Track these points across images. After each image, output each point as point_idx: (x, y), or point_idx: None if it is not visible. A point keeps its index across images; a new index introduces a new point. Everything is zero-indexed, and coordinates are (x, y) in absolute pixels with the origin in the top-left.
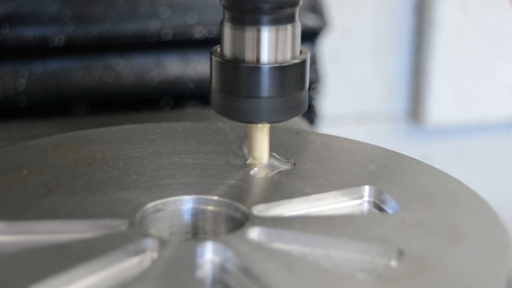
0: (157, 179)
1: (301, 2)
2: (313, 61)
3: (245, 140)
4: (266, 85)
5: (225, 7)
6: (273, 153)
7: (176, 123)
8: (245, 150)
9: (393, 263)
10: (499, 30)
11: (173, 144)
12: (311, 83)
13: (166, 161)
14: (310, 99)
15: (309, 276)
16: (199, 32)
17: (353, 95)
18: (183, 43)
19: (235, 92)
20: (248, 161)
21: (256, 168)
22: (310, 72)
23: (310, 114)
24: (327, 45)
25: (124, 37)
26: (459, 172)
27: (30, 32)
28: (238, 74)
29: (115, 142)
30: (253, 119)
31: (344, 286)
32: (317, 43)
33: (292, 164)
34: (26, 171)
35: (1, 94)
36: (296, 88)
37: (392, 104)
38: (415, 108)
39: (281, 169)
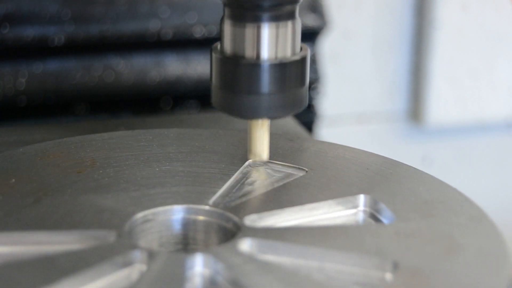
0: (147, 188)
1: None
2: (313, 61)
3: (239, 145)
4: (266, 82)
5: (225, 4)
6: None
7: (169, 129)
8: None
9: (388, 275)
10: (499, 30)
11: (165, 151)
12: (311, 83)
13: (157, 169)
14: (310, 99)
15: None
16: (199, 32)
17: (353, 95)
18: (183, 43)
19: (235, 89)
20: (248, 158)
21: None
22: (310, 72)
23: (310, 114)
24: (327, 45)
25: (124, 36)
26: (459, 172)
27: (30, 32)
28: (238, 71)
29: (106, 149)
30: (254, 115)
31: None
32: (317, 43)
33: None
34: (14, 180)
35: (1, 94)
36: (296, 84)
37: (392, 104)
38: (415, 108)
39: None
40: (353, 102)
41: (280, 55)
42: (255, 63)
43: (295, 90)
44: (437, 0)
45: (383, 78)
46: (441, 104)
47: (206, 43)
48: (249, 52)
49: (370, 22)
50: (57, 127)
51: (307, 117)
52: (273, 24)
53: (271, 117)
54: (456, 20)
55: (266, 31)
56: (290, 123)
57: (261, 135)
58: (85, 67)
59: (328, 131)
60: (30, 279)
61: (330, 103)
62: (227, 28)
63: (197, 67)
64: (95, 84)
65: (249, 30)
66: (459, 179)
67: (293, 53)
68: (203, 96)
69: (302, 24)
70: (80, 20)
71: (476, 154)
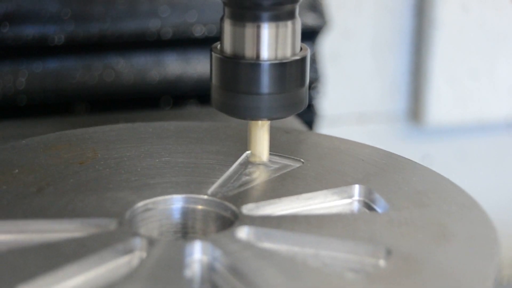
0: (148, 178)
1: None
2: (313, 61)
3: (237, 138)
4: (266, 82)
5: (225, 4)
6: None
7: (168, 122)
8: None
9: (381, 262)
10: (499, 30)
11: (164, 143)
12: (311, 83)
13: (157, 160)
14: (310, 99)
15: (297, 275)
16: (199, 31)
17: (353, 95)
18: (183, 42)
19: (235, 89)
20: (248, 158)
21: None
22: (310, 72)
23: (310, 114)
24: (327, 45)
25: (124, 36)
26: (459, 172)
27: (30, 31)
28: (238, 71)
29: (107, 141)
30: (253, 116)
31: (332, 285)
32: (317, 42)
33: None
34: (17, 170)
35: (1, 93)
36: (296, 84)
37: (392, 104)
38: (415, 108)
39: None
40: (353, 102)
41: (280, 55)
42: (255, 63)
43: (295, 91)
44: (437, 0)
45: (383, 78)
46: (441, 104)
47: (206, 42)
48: (249, 52)
49: (370, 22)
50: (58, 122)
51: (307, 117)
52: (273, 24)
53: (271, 118)
54: (456, 20)
55: (266, 31)
56: (289, 118)
57: (261, 136)
58: (85, 66)
59: (328, 131)
60: (34, 265)
61: (330, 103)
62: (227, 27)
63: (197, 66)
64: (95, 83)
65: (249, 30)
66: (459, 179)
67: (293, 53)
68: (203, 96)
69: (302, 23)
70: (80, 19)
71: (476, 154)
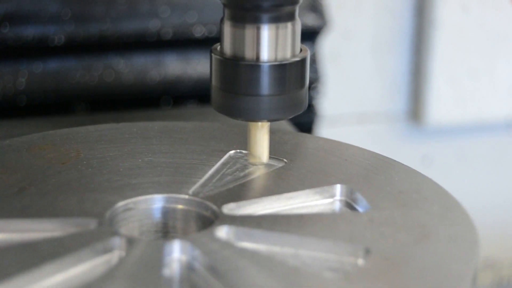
0: (130, 178)
1: (301, 0)
2: (313, 61)
3: (221, 138)
4: (266, 83)
5: (225, 5)
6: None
7: (153, 122)
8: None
9: (360, 261)
10: (499, 30)
11: (148, 143)
12: (311, 83)
13: (140, 160)
14: (310, 99)
15: (276, 275)
16: (199, 31)
17: (353, 95)
18: (183, 42)
19: (235, 90)
20: (248, 160)
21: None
22: (310, 72)
23: (310, 114)
24: (327, 45)
25: (124, 36)
26: (459, 172)
27: (30, 31)
28: (238, 72)
29: (91, 141)
30: (253, 117)
31: (311, 285)
32: (317, 42)
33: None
34: None
35: (1, 93)
36: (296, 86)
37: (392, 104)
38: (415, 108)
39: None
40: (353, 102)
41: (279, 56)
42: (255, 64)
43: (295, 92)
44: (437, 0)
45: (383, 78)
46: (441, 104)
47: (206, 43)
48: (248, 53)
49: (370, 22)
50: (58, 122)
51: (307, 117)
52: (273, 25)
53: (271, 119)
54: (456, 20)
55: (266, 32)
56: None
57: (260, 137)
58: (85, 67)
59: (328, 131)
60: (12, 264)
61: (330, 103)
62: (227, 29)
63: (197, 66)
64: (95, 84)
65: (248, 31)
66: (459, 179)
67: (293, 54)
68: (203, 96)
69: (302, 24)
70: (80, 19)
71: (476, 154)
